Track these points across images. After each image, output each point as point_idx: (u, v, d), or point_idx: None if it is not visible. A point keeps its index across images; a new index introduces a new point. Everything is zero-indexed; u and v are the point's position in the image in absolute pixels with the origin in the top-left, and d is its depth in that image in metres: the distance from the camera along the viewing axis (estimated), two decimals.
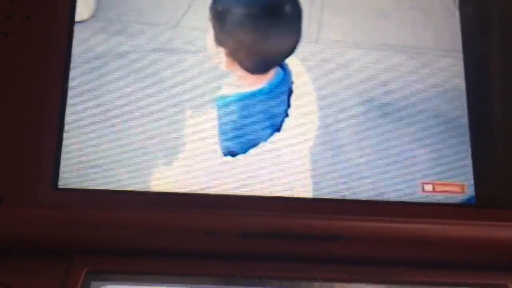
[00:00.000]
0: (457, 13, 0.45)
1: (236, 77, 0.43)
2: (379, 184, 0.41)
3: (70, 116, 0.41)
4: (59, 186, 0.40)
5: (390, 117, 0.43)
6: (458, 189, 0.42)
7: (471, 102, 0.43)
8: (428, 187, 0.42)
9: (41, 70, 0.42)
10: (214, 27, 0.44)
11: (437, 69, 0.44)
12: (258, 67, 0.43)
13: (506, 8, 0.45)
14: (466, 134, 0.43)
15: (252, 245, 0.39)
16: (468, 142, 0.43)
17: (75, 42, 0.43)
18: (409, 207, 0.41)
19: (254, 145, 0.42)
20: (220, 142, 0.42)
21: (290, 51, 0.43)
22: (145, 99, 0.42)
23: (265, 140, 0.42)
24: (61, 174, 0.40)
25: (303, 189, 0.41)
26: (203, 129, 0.42)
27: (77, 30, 0.43)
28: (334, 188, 0.41)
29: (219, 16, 0.44)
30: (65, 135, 0.41)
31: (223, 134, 0.42)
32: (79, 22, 0.43)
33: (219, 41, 0.43)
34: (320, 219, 0.40)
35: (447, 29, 0.45)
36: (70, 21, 0.43)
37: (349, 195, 0.41)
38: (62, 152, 0.41)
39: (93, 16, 0.44)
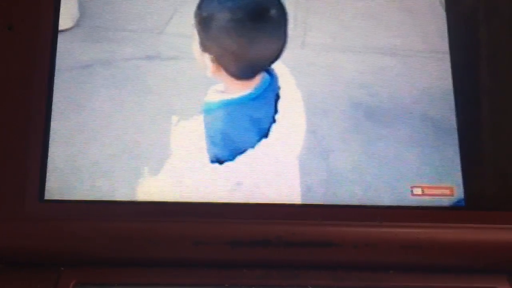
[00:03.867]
0: (444, 14, 0.45)
1: (222, 83, 0.43)
2: (368, 188, 0.41)
3: (55, 127, 0.41)
4: (46, 198, 0.40)
5: (377, 120, 0.43)
6: (447, 191, 0.41)
7: (459, 104, 0.43)
8: (417, 191, 0.41)
9: (25, 80, 0.42)
10: (199, 33, 0.43)
11: (424, 71, 0.44)
12: (244, 72, 0.43)
13: (493, 9, 0.45)
14: (455, 136, 0.42)
15: (241, 253, 0.39)
16: (457, 144, 0.42)
17: (59, 51, 0.43)
18: (399, 212, 0.41)
19: (242, 152, 0.41)
20: (207, 149, 0.41)
21: (276, 56, 0.43)
22: (131, 107, 0.42)
23: (253, 146, 0.41)
24: (47, 186, 0.40)
25: (292, 195, 0.41)
26: (190, 137, 0.42)
27: (61, 39, 0.43)
28: (323, 194, 0.41)
29: (204, 22, 0.43)
30: (50, 147, 0.41)
31: (210, 141, 0.41)
32: (62, 30, 0.43)
33: (205, 47, 0.43)
34: (309, 225, 0.40)
35: (434, 30, 0.44)
36: (53, 30, 0.43)
37: (338, 200, 0.41)
38: (47, 163, 0.40)
39: (76, 25, 0.43)
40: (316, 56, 0.44)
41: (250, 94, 0.42)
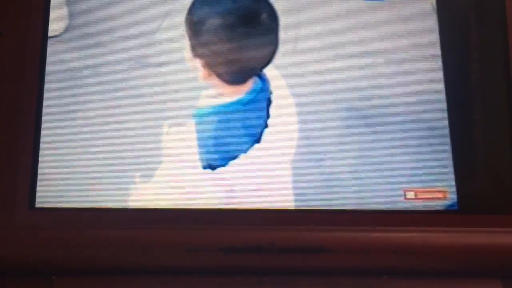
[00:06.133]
0: (435, 17, 0.45)
1: (214, 89, 0.43)
2: (361, 193, 0.41)
3: (45, 134, 0.41)
4: (36, 206, 0.39)
5: (370, 124, 0.42)
6: (440, 195, 0.41)
7: (451, 107, 0.43)
8: (410, 194, 0.41)
9: (15, 87, 0.41)
10: (190, 38, 0.43)
11: (416, 75, 0.44)
12: (235, 77, 0.43)
13: (484, 12, 0.45)
14: (447, 139, 0.42)
15: (234, 260, 0.39)
16: (449, 147, 0.42)
17: (48, 57, 0.42)
18: (392, 216, 0.40)
19: (234, 157, 0.41)
20: (199, 155, 0.41)
21: (268, 60, 0.43)
22: (122, 114, 0.42)
23: (245, 152, 0.41)
24: (37, 194, 0.40)
25: (285, 200, 0.41)
26: (182, 143, 0.41)
27: (50, 45, 0.42)
28: (316, 199, 0.41)
29: (194, 27, 0.43)
30: (40, 154, 0.40)
31: (202, 147, 0.41)
32: (52, 37, 0.43)
33: (196, 52, 0.43)
34: (302, 230, 0.39)
35: (425, 33, 0.44)
36: (42, 36, 0.42)
37: (331, 205, 0.41)
38: (38, 171, 0.40)
39: (66, 31, 0.43)
40: (308, 61, 0.43)
41: (242, 99, 0.42)
